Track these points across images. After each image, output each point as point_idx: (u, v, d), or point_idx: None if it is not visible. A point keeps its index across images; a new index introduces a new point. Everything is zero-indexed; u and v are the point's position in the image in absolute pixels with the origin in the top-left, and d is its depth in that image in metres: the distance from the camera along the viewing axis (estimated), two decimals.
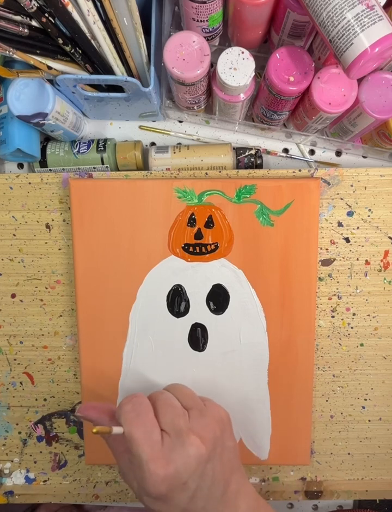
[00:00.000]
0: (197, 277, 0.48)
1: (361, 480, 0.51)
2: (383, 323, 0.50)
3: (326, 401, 0.51)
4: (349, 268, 0.50)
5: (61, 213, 0.50)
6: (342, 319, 0.50)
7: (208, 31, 0.43)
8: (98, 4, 0.39)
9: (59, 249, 0.51)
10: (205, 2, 0.39)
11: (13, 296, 0.51)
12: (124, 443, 0.37)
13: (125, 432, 0.35)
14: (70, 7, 0.39)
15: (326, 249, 0.50)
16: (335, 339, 0.51)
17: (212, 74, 0.45)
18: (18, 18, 0.39)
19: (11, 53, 0.39)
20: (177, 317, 0.49)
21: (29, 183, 0.50)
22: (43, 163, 0.51)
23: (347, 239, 0.50)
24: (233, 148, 0.51)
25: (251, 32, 0.44)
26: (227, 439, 0.39)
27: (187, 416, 0.37)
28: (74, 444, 0.52)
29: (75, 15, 0.39)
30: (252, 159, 0.51)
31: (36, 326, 0.51)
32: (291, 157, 0.53)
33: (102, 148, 0.51)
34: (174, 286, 0.48)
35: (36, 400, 0.52)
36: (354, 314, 0.50)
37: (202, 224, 0.48)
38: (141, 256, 0.48)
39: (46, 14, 0.39)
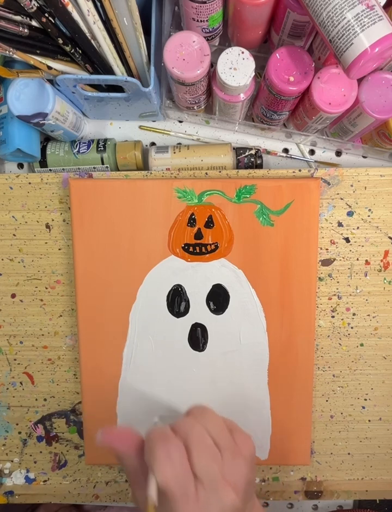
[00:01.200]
0: (197, 277, 0.48)
1: (361, 480, 0.51)
2: (383, 323, 0.50)
3: (326, 401, 0.51)
4: (349, 268, 0.50)
5: (61, 213, 0.50)
6: (342, 319, 0.50)
7: (208, 31, 0.43)
8: (98, 4, 0.39)
9: (59, 249, 0.51)
10: (205, 2, 0.39)
11: (13, 296, 0.51)
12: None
13: (159, 483, 0.32)
14: (70, 7, 0.39)
15: (326, 249, 0.50)
16: (335, 339, 0.51)
17: (212, 74, 0.45)
18: (18, 18, 0.39)
19: (11, 53, 0.39)
20: (177, 317, 0.49)
21: (29, 183, 0.50)
22: (43, 163, 0.51)
23: (347, 239, 0.50)
24: (233, 148, 0.51)
25: (251, 32, 0.44)
26: (254, 476, 0.37)
27: (220, 458, 0.34)
28: (74, 444, 0.52)
29: (75, 15, 0.39)
30: (252, 159, 0.51)
31: (36, 326, 0.51)
32: (291, 157, 0.53)
33: (102, 148, 0.51)
34: (174, 286, 0.48)
35: (36, 400, 0.52)
36: (354, 314, 0.50)
37: (202, 224, 0.48)
38: (141, 256, 0.48)
39: (46, 14, 0.39)
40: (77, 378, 0.51)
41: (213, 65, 0.44)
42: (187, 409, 0.38)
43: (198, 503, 0.33)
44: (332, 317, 0.50)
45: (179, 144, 0.54)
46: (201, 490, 0.33)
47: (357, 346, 0.51)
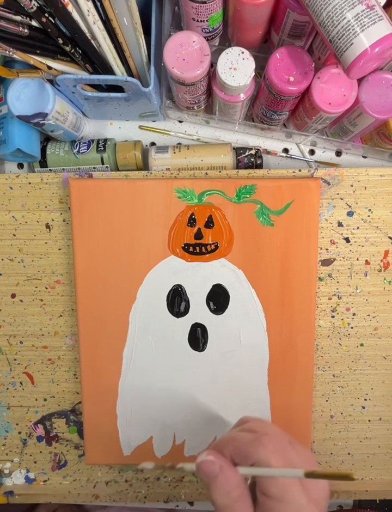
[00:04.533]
0: (197, 277, 0.48)
1: (361, 480, 0.51)
2: (383, 323, 0.50)
3: (326, 401, 0.51)
4: (349, 268, 0.50)
5: (61, 213, 0.50)
6: (342, 319, 0.50)
7: (208, 31, 0.43)
8: (98, 4, 0.39)
9: (59, 249, 0.51)
10: (205, 2, 0.39)
11: (13, 296, 0.51)
12: (251, 498, 0.33)
13: (279, 479, 0.31)
14: (70, 7, 0.39)
15: (326, 249, 0.50)
16: (335, 339, 0.51)
17: (212, 74, 0.45)
18: (18, 18, 0.39)
19: (11, 53, 0.39)
20: (177, 317, 0.49)
21: (29, 183, 0.50)
22: (43, 163, 0.51)
23: (347, 239, 0.50)
24: (233, 148, 0.51)
25: (251, 32, 0.44)
26: None
27: (295, 452, 0.33)
28: (74, 444, 0.52)
29: (75, 15, 0.39)
30: (252, 159, 0.51)
31: (36, 326, 0.51)
32: (291, 157, 0.53)
33: (102, 148, 0.51)
34: (174, 286, 0.48)
35: (36, 400, 0.52)
36: (354, 314, 0.50)
37: (202, 224, 0.48)
38: (141, 256, 0.48)
39: (46, 14, 0.39)
40: (77, 378, 0.51)
41: (213, 65, 0.44)
42: (238, 421, 0.38)
43: (310, 489, 0.32)
44: (332, 317, 0.50)
45: (179, 144, 0.54)
46: (304, 480, 0.32)
47: (357, 346, 0.50)
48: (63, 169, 0.51)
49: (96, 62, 0.44)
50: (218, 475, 0.32)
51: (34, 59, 0.41)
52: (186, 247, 0.48)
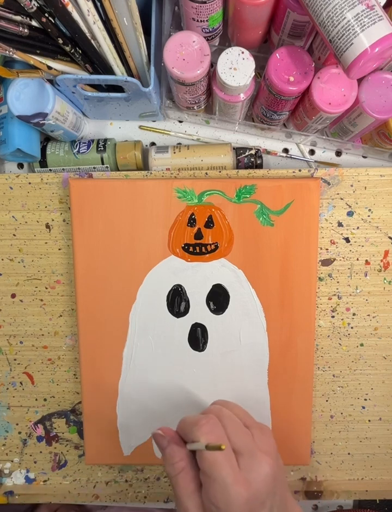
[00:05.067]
0: (197, 277, 0.48)
1: (361, 480, 0.51)
2: (383, 323, 0.50)
3: (326, 401, 0.51)
4: (349, 268, 0.50)
5: (61, 213, 0.50)
6: (342, 319, 0.50)
7: (208, 31, 0.43)
8: (98, 4, 0.39)
9: (59, 249, 0.51)
10: (205, 2, 0.39)
11: (13, 296, 0.51)
12: (195, 471, 0.36)
13: (207, 456, 0.35)
14: (70, 7, 0.39)
15: (326, 249, 0.50)
16: (335, 339, 0.51)
17: (212, 74, 0.45)
18: (18, 18, 0.39)
19: (11, 53, 0.39)
20: (177, 317, 0.49)
21: (29, 183, 0.50)
22: (43, 163, 0.51)
23: (347, 239, 0.50)
24: (233, 148, 0.51)
25: (251, 32, 0.44)
26: (279, 454, 0.39)
27: (250, 433, 0.37)
28: (74, 444, 0.52)
29: (75, 15, 0.39)
30: (252, 159, 0.51)
31: (36, 326, 0.51)
32: (291, 157, 0.53)
33: (102, 148, 0.51)
34: (174, 286, 0.48)
35: (36, 400, 0.52)
36: (354, 314, 0.50)
37: (202, 224, 0.48)
38: (141, 256, 0.48)
39: (46, 14, 0.39)
40: (77, 378, 0.51)
41: (213, 65, 0.44)
42: (211, 403, 0.42)
43: (242, 469, 0.35)
44: (332, 317, 0.50)
45: (179, 144, 0.54)
46: (240, 460, 0.35)
47: (357, 346, 0.51)
48: (63, 169, 0.51)
49: (96, 62, 0.44)
50: (166, 448, 0.37)
51: (34, 59, 0.41)
52: (186, 247, 0.48)
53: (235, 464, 0.35)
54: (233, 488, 0.34)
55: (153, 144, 0.54)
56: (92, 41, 0.42)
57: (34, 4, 0.37)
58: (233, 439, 0.36)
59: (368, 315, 0.50)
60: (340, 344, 0.51)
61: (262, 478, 0.35)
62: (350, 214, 0.50)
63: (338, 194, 0.49)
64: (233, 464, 0.35)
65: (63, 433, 0.52)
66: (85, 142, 0.51)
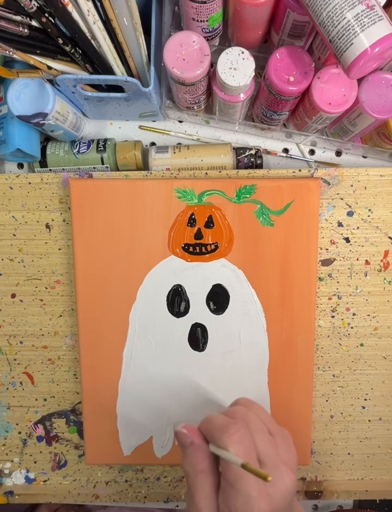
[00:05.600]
0: (197, 277, 0.48)
1: (361, 480, 0.51)
2: (383, 323, 0.50)
3: (326, 401, 0.51)
4: (349, 268, 0.50)
5: (61, 213, 0.50)
6: (342, 319, 0.50)
7: (208, 31, 0.43)
8: (98, 4, 0.39)
9: (59, 249, 0.51)
10: (205, 2, 0.39)
11: (13, 296, 0.51)
12: (215, 474, 0.36)
13: (234, 466, 0.34)
14: (70, 7, 0.39)
15: (326, 249, 0.50)
16: (335, 339, 0.51)
17: (212, 74, 0.45)
18: (18, 18, 0.39)
19: (11, 53, 0.39)
20: (177, 317, 0.49)
21: (29, 183, 0.50)
22: (43, 163, 0.51)
23: (347, 239, 0.50)
24: (233, 148, 0.51)
25: (251, 32, 0.44)
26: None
27: (275, 442, 0.36)
28: (74, 444, 0.52)
29: (75, 15, 0.39)
30: (252, 159, 0.51)
31: (36, 326, 0.51)
32: (291, 157, 0.53)
33: (102, 148, 0.51)
34: (174, 286, 0.48)
35: (36, 400, 0.52)
36: (354, 314, 0.50)
37: (202, 224, 0.48)
38: (141, 256, 0.48)
39: (46, 14, 0.39)
40: (77, 378, 0.51)
41: (213, 65, 0.44)
42: (234, 401, 0.41)
43: (265, 484, 0.34)
44: (332, 317, 0.50)
45: (179, 144, 0.54)
46: (265, 471, 0.34)
47: (357, 346, 0.51)
48: (63, 169, 0.51)
49: (96, 62, 0.44)
50: (188, 447, 0.36)
51: (34, 59, 0.41)
52: (186, 247, 0.48)
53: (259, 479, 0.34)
54: (257, 502, 0.33)
55: (153, 144, 0.54)
56: (92, 41, 0.42)
57: (34, 4, 0.37)
58: (260, 448, 0.35)
59: (368, 315, 0.50)
60: (339, 344, 0.51)
61: (283, 494, 0.35)
62: (350, 214, 0.50)
63: (338, 194, 0.49)
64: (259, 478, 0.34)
65: (63, 433, 0.52)
66: (85, 143, 0.51)
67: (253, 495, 0.33)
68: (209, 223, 0.48)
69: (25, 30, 0.39)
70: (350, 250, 0.50)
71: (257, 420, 0.37)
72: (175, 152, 0.50)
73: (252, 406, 0.39)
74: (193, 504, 0.35)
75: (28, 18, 0.39)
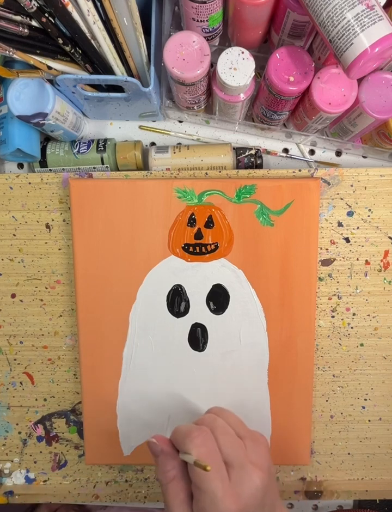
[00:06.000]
0: (197, 277, 0.48)
1: (361, 480, 0.51)
2: (383, 323, 0.50)
3: (326, 401, 0.51)
4: (349, 268, 0.50)
5: (61, 213, 0.50)
6: (342, 319, 0.50)
7: (208, 31, 0.43)
8: (98, 4, 0.39)
9: (59, 249, 0.51)
10: (205, 2, 0.39)
11: (13, 296, 0.51)
12: (187, 481, 0.36)
13: (197, 469, 0.34)
14: (70, 7, 0.39)
15: (326, 249, 0.50)
16: (335, 339, 0.51)
17: (212, 74, 0.45)
18: (18, 18, 0.39)
19: (11, 53, 0.39)
20: (177, 317, 0.49)
21: (29, 183, 0.50)
22: (43, 163, 0.51)
23: (347, 239, 0.50)
24: (233, 148, 0.51)
25: (251, 32, 0.44)
26: (272, 464, 0.39)
27: (243, 445, 0.37)
28: (74, 444, 0.52)
29: (75, 15, 0.39)
30: (252, 159, 0.51)
31: (36, 326, 0.51)
32: (291, 157, 0.53)
33: (102, 148, 0.51)
34: (174, 286, 0.48)
35: (36, 400, 0.52)
36: (354, 314, 0.50)
37: (202, 224, 0.48)
38: (141, 256, 0.48)
39: (46, 14, 0.39)
40: (77, 378, 0.51)
41: (213, 65, 0.44)
42: (207, 411, 0.42)
43: (232, 483, 0.35)
44: (332, 317, 0.50)
45: (179, 144, 0.54)
46: (231, 472, 0.35)
47: (357, 346, 0.51)
48: (63, 169, 0.51)
49: (96, 62, 0.44)
50: (159, 456, 0.37)
51: (34, 59, 0.41)
52: (186, 247, 0.48)
53: (226, 477, 0.35)
54: (222, 502, 0.34)
55: (153, 144, 0.54)
56: (92, 41, 0.42)
57: (34, 4, 0.37)
58: (225, 451, 0.36)
59: (368, 315, 0.50)
60: (340, 344, 0.51)
61: (252, 492, 0.35)
62: (350, 214, 0.50)
63: (338, 194, 0.49)
64: (223, 477, 0.35)
65: (63, 433, 0.52)
66: (85, 143, 0.51)
67: (218, 495, 0.34)
68: (209, 223, 0.48)
69: (25, 30, 0.39)
70: (350, 250, 0.50)
71: (223, 424, 0.38)
72: (175, 152, 0.50)
73: (221, 413, 0.40)
74: (168, 511, 0.36)
75: (28, 18, 0.39)
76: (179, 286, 0.48)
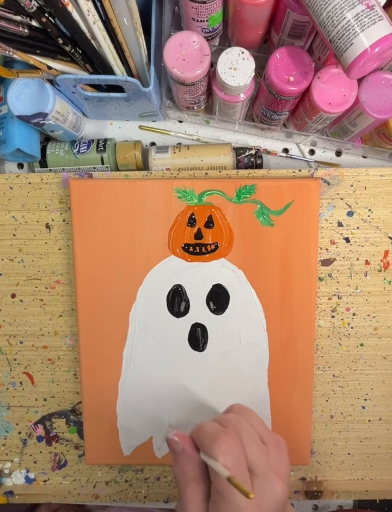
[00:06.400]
0: (197, 277, 0.48)
1: (361, 480, 0.51)
2: (383, 323, 0.50)
3: (326, 401, 0.51)
4: (349, 268, 0.50)
5: (61, 213, 0.50)
6: (342, 319, 0.50)
7: (208, 31, 0.43)
8: (98, 4, 0.39)
9: (59, 249, 0.51)
10: (205, 2, 0.39)
11: (13, 296, 0.51)
12: (205, 482, 0.36)
13: (223, 472, 0.33)
14: (70, 7, 0.39)
15: (326, 249, 0.50)
16: (335, 339, 0.51)
17: (212, 74, 0.45)
18: (18, 18, 0.39)
19: (11, 53, 0.39)
20: (177, 317, 0.49)
21: (29, 183, 0.50)
22: (43, 163, 0.51)
23: (347, 239, 0.50)
24: (233, 148, 0.51)
25: (251, 32, 0.44)
26: (291, 471, 0.39)
27: (267, 451, 0.36)
28: (74, 444, 0.52)
29: (75, 15, 0.39)
30: (252, 159, 0.51)
31: (36, 326, 0.51)
32: (291, 157, 0.53)
33: (102, 148, 0.51)
34: (174, 286, 0.48)
35: (36, 400, 0.52)
36: (354, 314, 0.50)
37: (202, 224, 0.48)
38: (141, 256, 0.48)
39: (46, 14, 0.39)
40: (77, 378, 0.51)
41: (213, 65, 0.44)
42: (228, 407, 0.40)
43: (254, 492, 0.34)
44: (332, 317, 0.50)
45: (179, 144, 0.54)
46: (254, 481, 0.34)
47: (357, 346, 0.51)
48: (63, 169, 0.51)
49: (96, 62, 0.44)
50: (179, 455, 0.36)
51: (34, 59, 0.41)
52: (186, 247, 0.48)
53: (248, 484, 0.34)
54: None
55: (153, 144, 0.54)
56: (92, 41, 0.42)
57: (34, 4, 0.37)
58: (251, 457, 0.35)
59: (368, 315, 0.50)
60: (339, 344, 0.51)
61: (273, 505, 0.35)
62: (350, 214, 0.50)
63: (338, 194, 0.49)
64: (247, 483, 0.34)
65: (63, 433, 0.52)
66: (85, 143, 0.51)
67: (242, 507, 0.33)
68: (209, 223, 0.48)
69: (25, 30, 0.39)
70: (350, 250, 0.50)
71: (248, 428, 0.36)
72: (175, 152, 0.50)
73: (245, 413, 0.39)
74: (183, 511, 0.36)
75: (28, 18, 0.39)
76: (179, 286, 0.48)
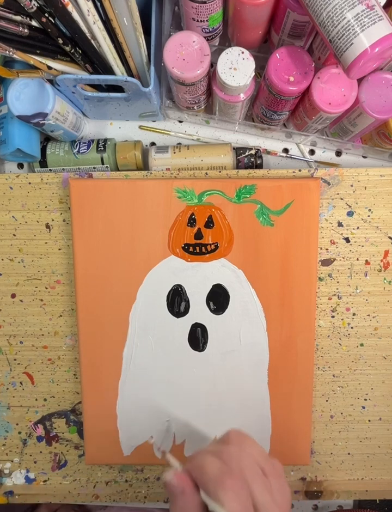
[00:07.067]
0: (197, 277, 0.48)
1: (361, 480, 0.51)
2: (383, 323, 0.50)
3: (326, 401, 0.51)
4: (349, 268, 0.50)
5: (61, 213, 0.50)
6: (342, 319, 0.50)
7: (208, 31, 0.43)
8: (98, 4, 0.39)
9: (59, 249, 0.51)
10: (205, 2, 0.39)
11: (13, 296, 0.51)
12: None
13: None
14: (70, 7, 0.39)
15: (326, 249, 0.50)
16: (335, 339, 0.51)
17: (212, 74, 0.45)
18: (18, 18, 0.39)
19: (11, 53, 0.39)
20: (177, 317, 0.49)
21: (29, 183, 0.50)
22: (43, 163, 0.51)
23: (347, 239, 0.50)
24: (233, 148, 0.51)
25: (251, 32, 0.44)
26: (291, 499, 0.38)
27: (270, 485, 0.35)
28: (74, 444, 0.52)
29: (75, 15, 0.39)
30: (252, 159, 0.51)
31: (36, 326, 0.51)
32: (291, 157, 0.53)
33: (102, 148, 0.51)
34: (174, 286, 0.48)
35: (36, 400, 0.52)
36: (354, 314, 0.50)
37: (202, 224, 0.48)
38: (141, 256, 0.48)
39: (46, 14, 0.39)
40: (77, 378, 0.51)
41: (213, 65, 0.44)
42: (224, 435, 0.39)
43: None
44: (332, 317, 0.50)
45: (179, 144, 0.54)
46: None
47: (357, 346, 0.51)
48: (63, 169, 0.51)
49: (96, 62, 0.44)
50: (178, 496, 0.34)
51: (34, 59, 0.41)
52: (186, 247, 0.48)
53: None
54: None
55: (153, 144, 0.54)
56: (92, 41, 0.42)
57: (34, 4, 0.37)
58: (256, 498, 0.34)
59: (368, 315, 0.50)
60: (339, 344, 0.51)
61: None
62: (350, 214, 0.50)
63: (338, 194, 0.49)
64: None
65: (63, 433, 0.52)
66: (85, 143, 0.51)
67: None
68: (209, 223, 0.48)
69: (25, 30, 0.39)
70: (350, 250, 0.50)
71: (251, 463, 0.35)
72: (175, 152, 0.50)
73: (244, 443, 0.37)
74: None
75: (28, 18, 0.39)
76: (179, 286, 0.48)
